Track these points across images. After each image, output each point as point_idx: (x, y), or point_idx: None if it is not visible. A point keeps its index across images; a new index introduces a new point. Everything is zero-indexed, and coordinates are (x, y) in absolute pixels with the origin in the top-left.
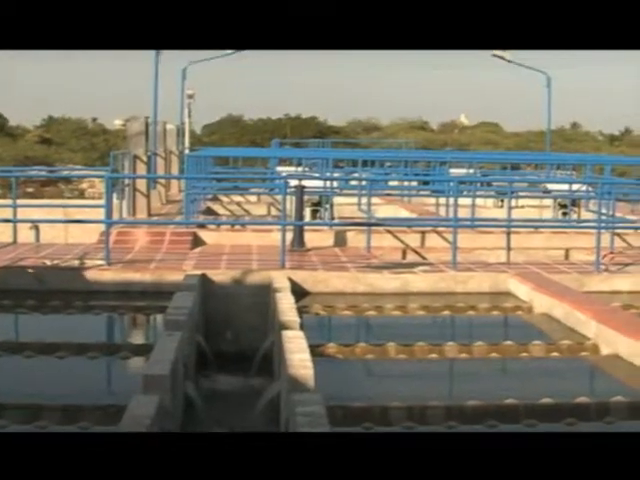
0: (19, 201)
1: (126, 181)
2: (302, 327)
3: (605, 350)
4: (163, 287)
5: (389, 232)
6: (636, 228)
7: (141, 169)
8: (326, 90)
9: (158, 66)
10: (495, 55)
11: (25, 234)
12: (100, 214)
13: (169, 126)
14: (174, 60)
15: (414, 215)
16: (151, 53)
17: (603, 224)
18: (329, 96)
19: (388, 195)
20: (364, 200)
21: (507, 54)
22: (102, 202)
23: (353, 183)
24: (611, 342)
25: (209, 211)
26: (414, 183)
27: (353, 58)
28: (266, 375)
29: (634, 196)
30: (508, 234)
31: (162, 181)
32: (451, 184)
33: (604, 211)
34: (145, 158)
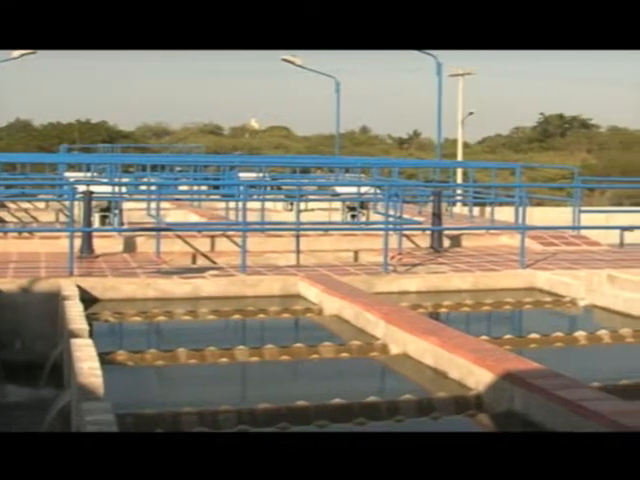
0: None
1: None
2: (91, 335)
3: (394, 349)
4: None
5: (179, 237)
6: (423, 229)
7: None
8: (116, 94)
9: None
10: (285, 60)
11: None
12: None
13: None
14: None
15: (204, 220)
16: None
17: (391, 226)
18: (119, 100)
19: (178, 200)
20: (153, 205)
21: (297, 59)
22: None
23: (142, 188)
24: (399, 342)
25: None
26: (204, 187)
27: (144, 63)
28: (56, 384)
29: (421, 198)
30: (297, 237)
31: None
32: (241, 188)
33: (392, 213)
34: None
